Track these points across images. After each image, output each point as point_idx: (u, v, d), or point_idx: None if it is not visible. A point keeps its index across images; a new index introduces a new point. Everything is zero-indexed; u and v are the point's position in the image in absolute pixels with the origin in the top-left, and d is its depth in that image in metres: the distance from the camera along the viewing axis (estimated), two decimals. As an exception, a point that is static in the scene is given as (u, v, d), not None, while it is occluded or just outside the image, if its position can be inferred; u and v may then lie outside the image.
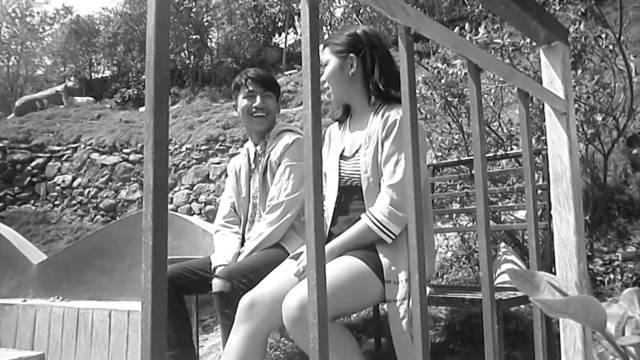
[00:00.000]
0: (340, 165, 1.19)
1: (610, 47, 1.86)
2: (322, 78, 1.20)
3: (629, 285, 1.68)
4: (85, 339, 2.23)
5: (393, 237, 1.07)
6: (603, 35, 1.85)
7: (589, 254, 1.86)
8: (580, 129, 1.86)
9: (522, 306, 1.57)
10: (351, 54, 1.16)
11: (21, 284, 2.70)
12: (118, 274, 2.44)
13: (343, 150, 1.20)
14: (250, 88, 1.47)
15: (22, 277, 2.71)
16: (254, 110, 1.46)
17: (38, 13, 12.83)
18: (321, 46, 1.25)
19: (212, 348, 1.91)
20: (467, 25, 1.89)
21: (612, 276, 1.76)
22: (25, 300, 2.58)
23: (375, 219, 1.07)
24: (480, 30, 1.82)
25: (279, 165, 1.43)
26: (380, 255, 1.07)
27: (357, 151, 1.17)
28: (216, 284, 1.22)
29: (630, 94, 1.88)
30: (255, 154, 1.53)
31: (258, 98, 1.46)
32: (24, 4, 12.39)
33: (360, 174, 1.14)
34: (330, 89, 1.20)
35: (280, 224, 1.37)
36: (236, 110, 1.52)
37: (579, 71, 1.81)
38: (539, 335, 0.63)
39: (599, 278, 1.76)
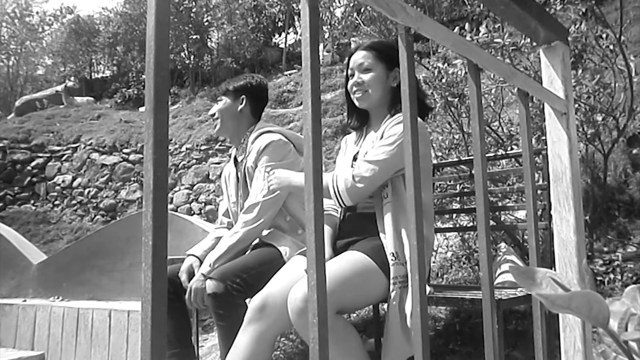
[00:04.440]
0: (352, 166, 1.21)
1: (611, 47, 1.86)
2: (358, 80, 1.22)
3: (629, 285, 1.68)
4: (85, 339, 2.23)
5: (343, 206, 1.11)
6: (603, 35, 1.85)
7: (589, 254, 1.85)
8: (580, 129, 1.86)
9: (522, 306, 1.58)
10: (397, 68, 1.20)
11: (21, 284, 2.70)
12: (118, 274, 2.44)
13: (357, 154, 1.23)
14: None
15: (22, 277, 2.71)
16: (212, 119, 1.53)
17: (37, 13, 12.80)
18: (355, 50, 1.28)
19: (212, 348, 1.91)
20: (467, 25, 1.89)
21: (612, 276, 1.75)
22: (25, 300, 2.58)
23: (337, 184, 1.10)
24: (481, 29, 1.82)
25: (255, 168, 1.43)
26: (386, 248, 1.08)
27: (366, 153, 1.20)
28: (209, 286, 1.22)
29: (630, 94, 1.88)
30: (235, 159, 1.55)
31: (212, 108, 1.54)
32: (23, 4, 12.39)
33: None
34: (369, 92, 1.21)
35: (256, 226, 1.36)
36: None
37: (580, 71, 1.81)
38: (539, 335, 0.63)
39: (599, 278, 1.75)
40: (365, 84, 1.21)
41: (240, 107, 1.51)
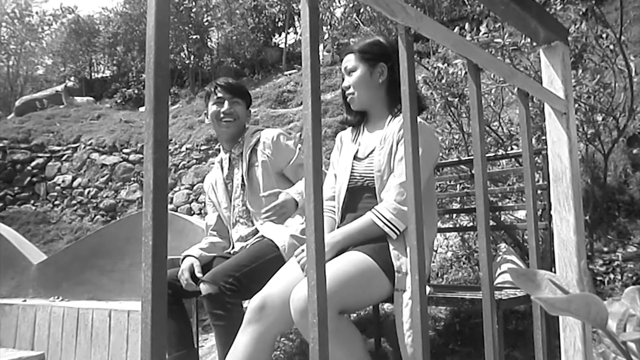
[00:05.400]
0: (353, 166, 1.21)
1: (611, 47, 1.85)
2: (346, 84, 1.24)
3: (629, 285, 1.68)
4: (85, 339, 2.23)
5: (398, 232, 1.10)
6: (603, 35, 1.84)
7: (589, 254, 1.83)
8: (581, 129, 1.85)
9: (522, 306, 1.57)
10: (381, 63, 1.20)
11: (21, 284, 2.69)
12: (118, 274, 2.43)
13: (357, 152, 1.23)
14: (219, 95, 1.50)
15: (22, 277, 2.70)
16: (222, 115, 1.50)
17: (37, 13, 12.78)
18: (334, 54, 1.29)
19: (212, 348, 1.91)
20: (467, 25, 1.89)
21: (612, 276, 1.75)
22: (25, 300, 2.58)
23: (382, 215, 1.10)
24: (482, 29, 1.81)
25: (289, 162, 1.45)
26: (391, 247, 1.09)
27: (371, 152, 1.20)
28: (204, 288, 1.24)
29: (630, 93, 1.88)
30: (230, 159, 1.55)
31: (226, 103, 1.50)
32: (22, 4, 12.38)
33: (372, 174, 1.17)
34: (355, 94, 1.22)
35: None
36: (207, 117, 1.56)
37: (580, 71, 1.80)
38: (539, 335, 0.63)
39: (599, 278, 1.73)
40: (352, 86, 1.23)
41: (249, 117, 1.58)
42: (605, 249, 1.89)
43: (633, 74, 1.88)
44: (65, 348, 2.28)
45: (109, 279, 2.46)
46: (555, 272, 0.73)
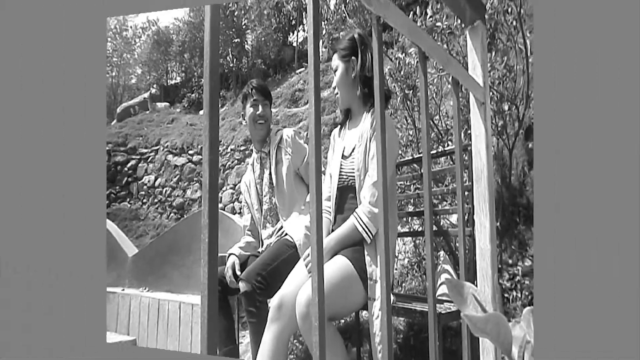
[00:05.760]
0: (341, 165, 1.16)
1: (514, 22, 1.51)
2: (333, 84, 1.21)
3: (527, 304, 1.35)
4: (163, 329, 2.40)
5: (371, 237, 1.04)
6: (509, 10, 1.51)
7: (499, 266, 1.54)
8: (493, 121, 1.56)
9: (454, 322, 1.35)
10: (352, 57, 1.17)
11: (120, 275, 2.98)
12: (186, 269, 2.63)
13: (343, 150, 1.17)
14: (255, 97, 1.54)
15: (121, 269, 3.02)
16: (257, 118, 1.54)
17: (131, 27, 14.34)
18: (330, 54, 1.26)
19: (248, 345, 1.97)
20: (417, 9, 1.64)
21: (514, 293, 1.46)
22: (123, 290, 2.84)
23: (360, 219, 1.07)
24: (429, 12, 1.64)
25: (303, 160, 1.50)
26: (365, 253, 1.05)
27: (353, 150, 1.15)
28: (241, 286, 1.28)
29: (527, 77, 1.51)
30: (260, 158, 1.57)
31: (260, 107, 1.54)
32: (121, 20, 14.03)
33: (354, 173, 1.12)
34: (338, 94, 1.20)
35: None
36: (244, 119, 1.58)
37: (493, 53, 1.53)
38: (466, 356, 0.56)
39: (505, 295, 1.46)
40: (336, 86, 1.20)
41: (271, 117, 1.60)
42: (510, 261, 1.57)
43: (529, 54, 1.49)
44: (150, 336, 2.57)
45: (180, 273, 2.69)
46: (477, 285, 0.62)
